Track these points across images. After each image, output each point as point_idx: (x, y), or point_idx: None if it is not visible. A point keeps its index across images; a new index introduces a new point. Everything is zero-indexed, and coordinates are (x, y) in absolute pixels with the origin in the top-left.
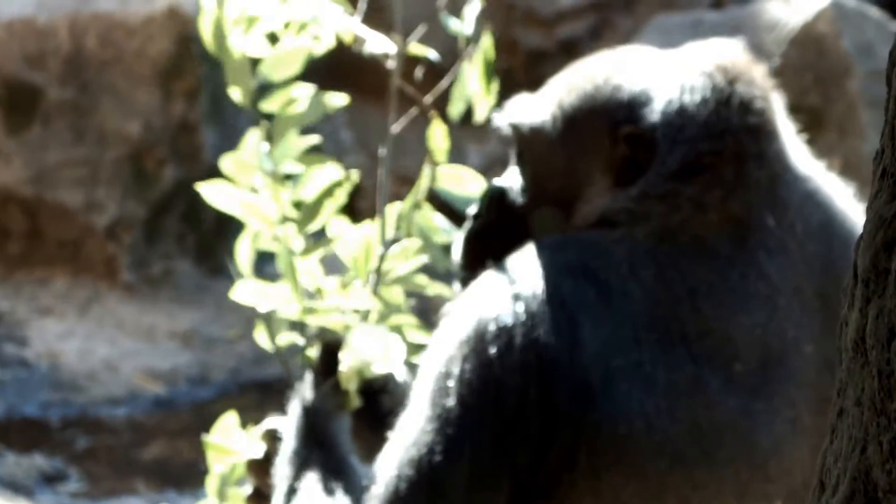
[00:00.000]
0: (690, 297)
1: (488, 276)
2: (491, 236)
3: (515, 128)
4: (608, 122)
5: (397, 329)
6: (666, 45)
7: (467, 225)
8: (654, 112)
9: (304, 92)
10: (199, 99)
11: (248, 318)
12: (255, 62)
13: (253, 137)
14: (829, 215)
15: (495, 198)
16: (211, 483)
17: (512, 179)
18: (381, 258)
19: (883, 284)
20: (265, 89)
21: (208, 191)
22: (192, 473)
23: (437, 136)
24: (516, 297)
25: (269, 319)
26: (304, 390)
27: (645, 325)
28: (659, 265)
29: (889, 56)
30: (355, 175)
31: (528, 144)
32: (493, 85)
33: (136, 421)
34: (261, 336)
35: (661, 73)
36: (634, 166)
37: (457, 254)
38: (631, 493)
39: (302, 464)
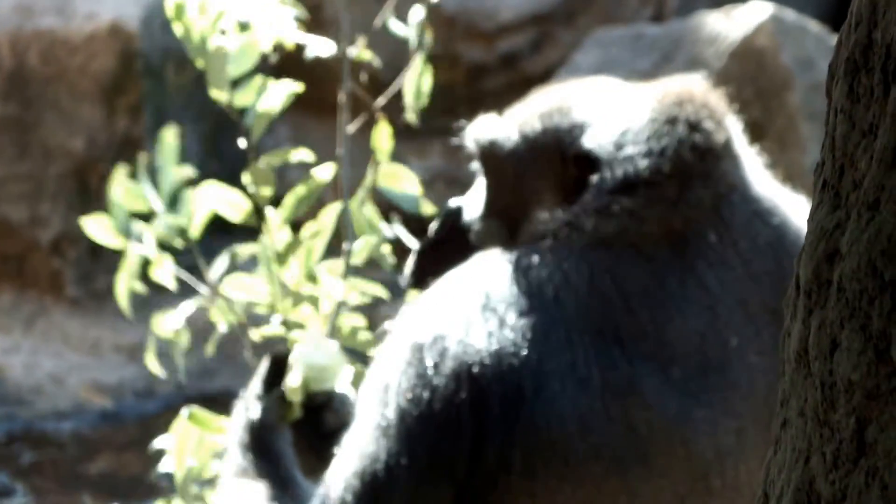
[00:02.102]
0: (624, 299)
1: (430, 290)
2: (442, 253)
3: (477, 142)
4: (560, 144)
5: (354, 339)
6: (606, 59)
7: (422, 242)
8: (602, 134)
9: (273, 86)
10: (142, 114)
11: (196, 330)
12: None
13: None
14: (780, 234)
15: (450, 216)
16: (178, 482)
17: (469, 199)
18: (349, 254)
19: (825, 295)
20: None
21: (91, 226)
22: (138, 487)
23: (383, 136)
24: (452, 308)
25: (241, 330)
26: (249, 401)
27: (578, 327)
28: (592, 269)
29: (828, 69)
30: (331, 170)
31: (487, 159)
32: (428, 81)
33: (82, 435)
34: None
35: (616, 101)
36: (582, 187)
37: (408, 270)
38: (567, 498)
39: (246, 475)
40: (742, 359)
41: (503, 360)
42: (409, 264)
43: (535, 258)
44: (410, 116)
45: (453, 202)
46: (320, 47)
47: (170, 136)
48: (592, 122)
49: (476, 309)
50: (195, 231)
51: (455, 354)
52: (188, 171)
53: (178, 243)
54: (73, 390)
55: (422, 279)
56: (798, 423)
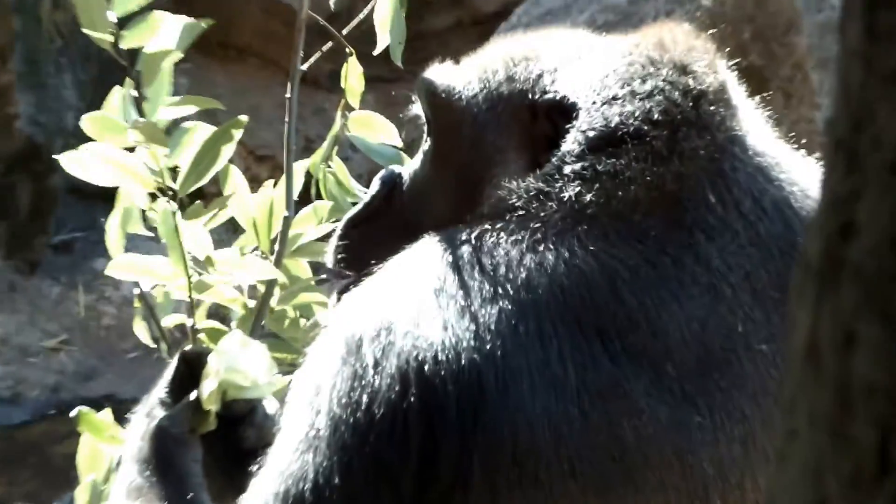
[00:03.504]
0: (609, 284)
1: (370, 279)
2: (375, 230)
3: (429, 90)
4: (528, 94)
5: (305, 308)
6: None
7: (348, 217)
8: (577, 80)
9: (167, 20)
10: (11, 59)
11: (73, 323)
12: None
13: (117, 93)
14: (787, 192)
15: (386, 184)
16: (81, 494)
17: (412, 164)
18: (287, 222)
19: (838, 277)
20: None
21: (69, 161)
22: None
23: (353, 74)
24: (399, 293)
25: (150, 310)
26: (153, 407)
27: (552, 317)
28: (569, 247)
29: (842, 5)
30: (244, 119)
31: (440, 111)
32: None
33: None
34: (138, 329)
35: (590, 47)
36: (555, 145)
37: (331, 250)
38: None
39: (141, 496)
40: (749, 349)
41: (461, 355)
42: (333, 244)
43: (500, 236)
44: (395, 57)
45: (391, 167)
46: None
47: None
48: (565, 69)
49: (428, 294)
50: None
51: (402, 349)
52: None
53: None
54: None
55: (350, 263)
56: (807, 434)
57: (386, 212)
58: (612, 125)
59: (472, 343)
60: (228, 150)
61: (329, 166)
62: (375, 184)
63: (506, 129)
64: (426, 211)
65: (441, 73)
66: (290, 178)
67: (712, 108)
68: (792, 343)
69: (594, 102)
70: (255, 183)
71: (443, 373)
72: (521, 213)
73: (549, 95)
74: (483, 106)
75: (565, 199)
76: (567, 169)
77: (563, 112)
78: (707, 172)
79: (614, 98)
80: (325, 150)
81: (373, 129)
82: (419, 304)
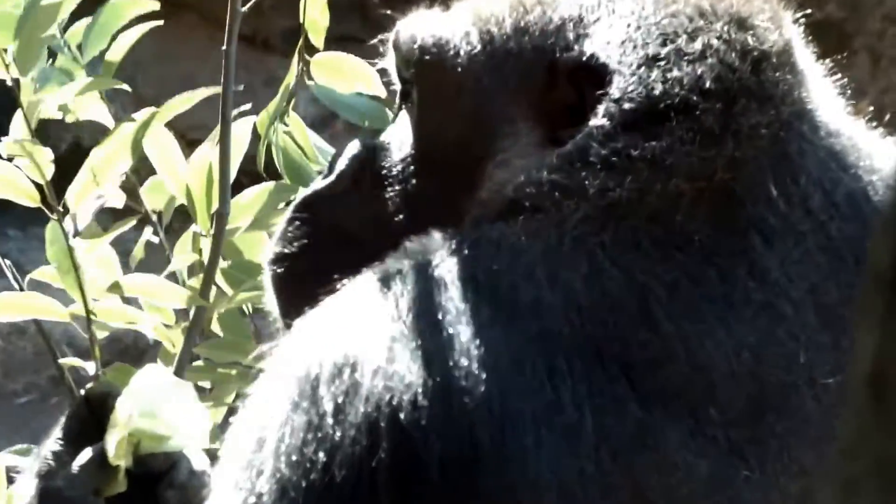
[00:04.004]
0: (640, 306)
1: (330, 298)
2: (339, 220)
3: (412, 45)
4: (546, 50)
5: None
6: None
7: (301, 194)
8: (608, 36)
9: None
10: None
11: None
12: None
13: None
14: (866, 184)
15: (355, 163)
16: None
17: (390, 137)
18: (224, 200)
19: None
20: None
21: None
22: None
23: (316, 4)
24: (367, 320)
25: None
26: (47, 463)
27: (566, 349)
28: (591, 260)
29: None
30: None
31: (428, 72)
32: None
33: None
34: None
35: None
36: (580, 115)
37: (276, 244)
38: None
39: None
40: (813, 383)
41: (447, 399)
42: (279, 237)
43: (503, 242)
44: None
45: (361, 139)
46: None
47: None
48: (592, 18)
49: (406, 320)
50: None
51: (370, 391)
52: None
53: None
54: None
55: (303, 266)
56: (872, 485)
57: (353, 197)
58: (654, 95)
59: (461, 384)
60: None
61: (284, 124)
62: (343, 158)
63: (515, 96)
64: (407, 200)
65: (427, 23)
66: (227, 151)
67: (777, 74)
68: (855, 371)
69: (631, 64)
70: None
71: (423, 422)
72: (530, 209)
73: (574, 53)
74: (486, 65)
75: (589, 193)
76: (593, 153)
77: (591, 75)
78: (769, 157)
79: (656, 59)
80: (276, 103)
81: (343, 76)
82: (394, 332)
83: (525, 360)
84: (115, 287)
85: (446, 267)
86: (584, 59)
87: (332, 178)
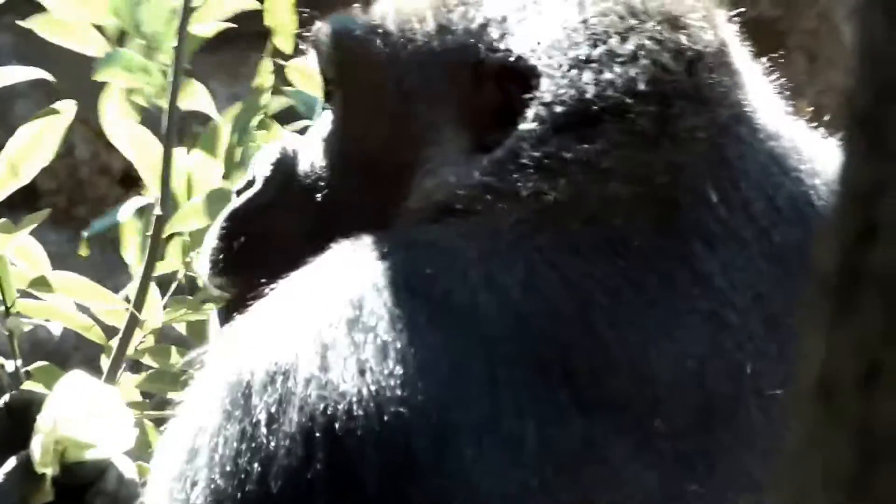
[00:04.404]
0: (580, 312)
1: (261, 302)
2: (264, 231)
3: (335, 42)
4: (471, 49)
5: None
6: None
7: (230, 206)
8: (538, 35)
9: None
10: None
11: None
12: None
13: None
14: (809, 187)
15: (278, 169)
16: None
17: (311, 140)
18: (160, 224)
19: (857, 294)
20: None
21: None
22: None
23: (282, 4)
24: (301, 325)
25: None
26: None
27: (505, 356)
28: (528, 264)
29: None
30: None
31: (351, 71)
32: None
33: None
34: None
35: None
36: (508, 119)
37: (206, 259)
38: None
39: None
40: (760, 394)
41: (384, 408)
42: (211, 245)
43: (440, 251)
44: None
45: (283, 144)
46: None
47: None
48: (518, 17)
49: (340, 325)
50: None
51: (305, 400)
52: None
53: None
54: None
55: (235, 274)
56: (820, 495)
57: (281, 205)
58: (587, 98)
59: (398, 392)
60: (54, 138)
61: (265, 124)
62: (265, 163)
63: (440, 98)
64: (334, 206)
65: (350, 20)
66: (171, 124)
67: (713, 75)
68: (801, 378)
69: (560, 66)
70: (105, 175)
71: (359, 432)
72: (462, 213)
73: (500, 54)
74: (408, 65)
75: (522, 195)
76: (525, 156)
77: (518, 77)
78: (707, 161)
79: (587, 60)
80: (252, 102)
81: (311, 79)
82: (328, 338)
83: (463, 367)
84: (40, 283)
85: (378, 270)
86: (511, 60)
87: (257, 187)
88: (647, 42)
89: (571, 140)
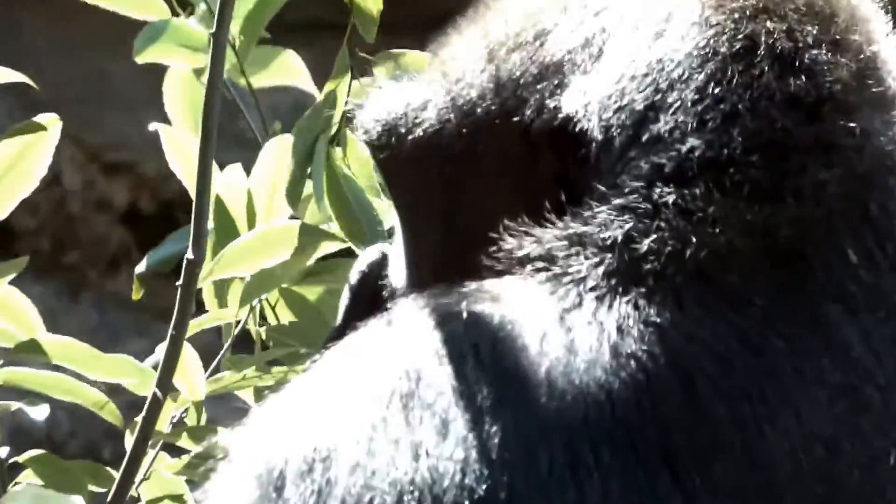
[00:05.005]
0: (685, 384)
1: (301, 377)
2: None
3: (370, 142)
4: (517, 116)
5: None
6: None
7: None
8: (599, 92)
9: None
10: None
11: None
12: None
13: None
14: None
15: (370, 274)
16: None
17: (397, 241)
18: (191, 269)
19: None
20: None
21: None
22: None
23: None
24: (344, 408)
25: None
26: None
27: (593, 438)
28: (620, 325)
29: None
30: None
31: (394, 166)
32: None
33: None
34: None
35: (613, 23)
36: (571, 189)
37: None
38: None
39: None
40: None
41: (443, 499)
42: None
43: (509, 306)
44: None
45: (373, 249)
46: None
47: None
48: (577, 71)
49: (391, 402)
50: None
51: (347, 491)
52: None
53: None
54: None
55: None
56: None
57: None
58: (681, 153)
59: (461, 480)
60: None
61: (336, 145)
62: (353, 275)
63: (497, 181)
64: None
65: (388, 99)
66: (207, 170)
67: (846, 118)
68: None
69: (637, 133)
70: (103, 210)
71: None
72: (538, 265)
73: (553, 118)
74: (458, 146)
75: (609, 242)
76: (604, 207)
77: (577, 141)
78: (844, 217)
79: (673, 124)
80: (316, 127)
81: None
82: (376, 416)
83: (540, 452)
84: (29, 347)
85: (439, 334)
86: (558, 119)
87: (347, 300)
88: (750, 95)
89: (663, 184)
